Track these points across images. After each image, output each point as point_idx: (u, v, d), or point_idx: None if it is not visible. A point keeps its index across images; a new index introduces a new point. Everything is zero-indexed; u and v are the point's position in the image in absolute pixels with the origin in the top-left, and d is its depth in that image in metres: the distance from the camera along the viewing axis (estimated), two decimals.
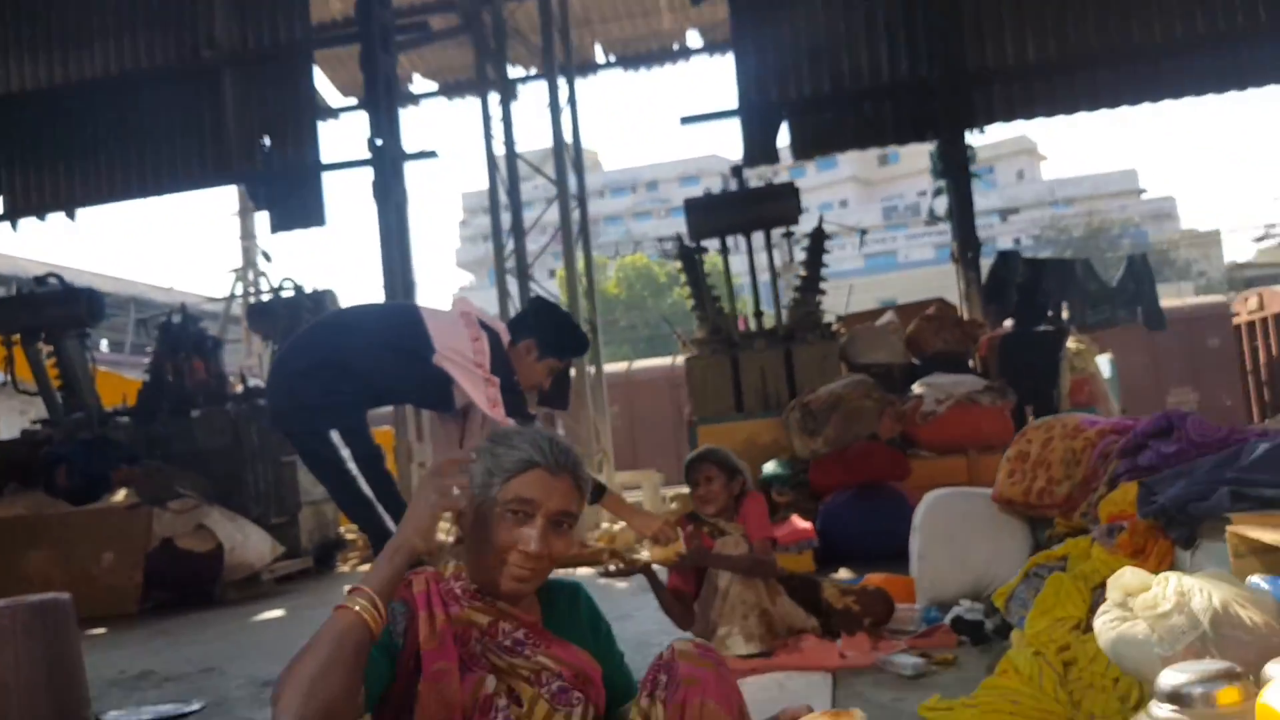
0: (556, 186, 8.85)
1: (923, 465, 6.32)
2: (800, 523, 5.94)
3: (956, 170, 8.42)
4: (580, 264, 9.15)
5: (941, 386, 6.67)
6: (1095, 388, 7.01)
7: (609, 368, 19.52)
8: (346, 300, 11.54)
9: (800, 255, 8.07)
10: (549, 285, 9.09)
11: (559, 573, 1.79)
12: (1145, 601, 2.16)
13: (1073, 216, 38.65)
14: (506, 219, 8.96)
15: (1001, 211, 47.67)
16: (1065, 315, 7.99)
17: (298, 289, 10.73)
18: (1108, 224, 37.39)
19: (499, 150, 8.92)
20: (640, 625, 4.60)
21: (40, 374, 10.19)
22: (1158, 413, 3.31)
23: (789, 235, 7.98)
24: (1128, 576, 2.25)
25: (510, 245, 8.81)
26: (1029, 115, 8.76)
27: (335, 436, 3.23)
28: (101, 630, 7.07)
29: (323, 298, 10.55)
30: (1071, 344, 7.06)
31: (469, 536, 1.69)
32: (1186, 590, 2.11)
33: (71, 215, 11.09)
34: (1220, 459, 2.72)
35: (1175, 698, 1.71)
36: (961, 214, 8.55)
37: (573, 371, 8.64)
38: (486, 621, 1.66)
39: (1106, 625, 2.22)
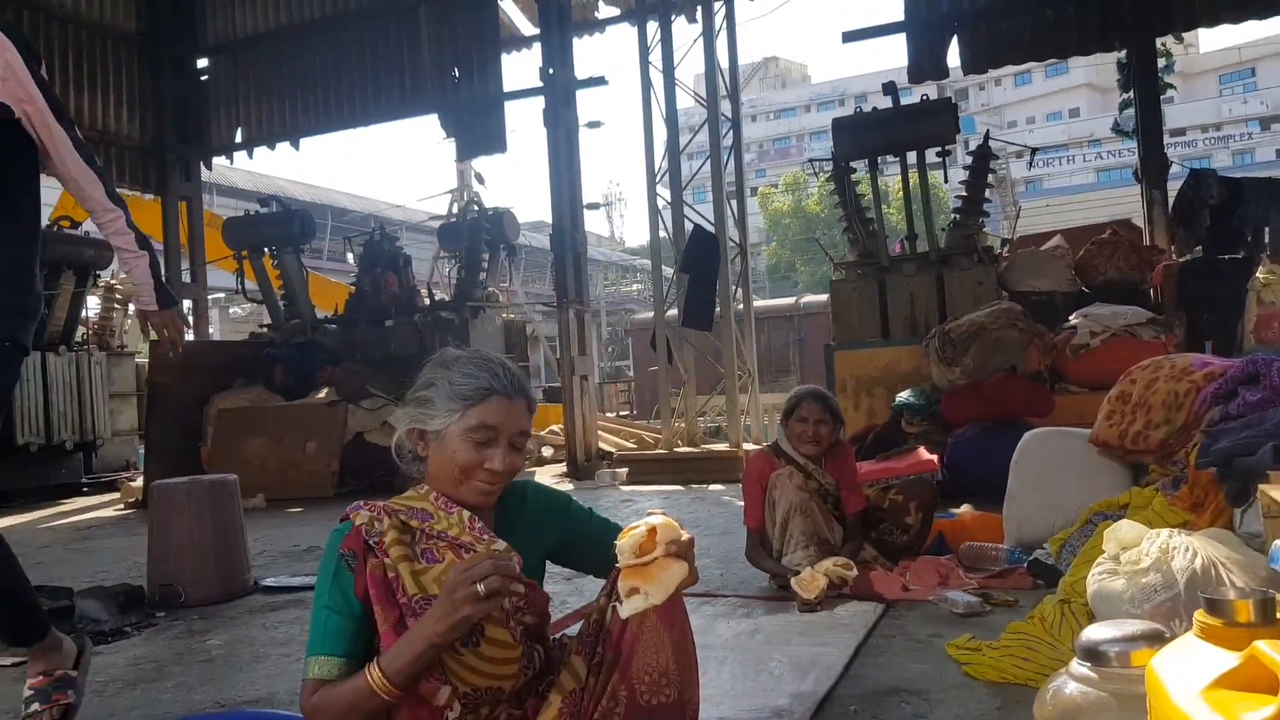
0: (706, 109, 8.79)
1: (1069, 401, 5.98)
2: (925, 454, 5.79)
3: (1145, 80, 7.62)
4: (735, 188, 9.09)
5: (1099, 318, 6.25)
6: None
7: (782, 300, 19.31)
8: (523, 218, 12.10)
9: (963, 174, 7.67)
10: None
11: None
12: (1130, 557, 2.08)
13: None
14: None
15: (1262, 119, 42.12)
16: (1268, 240, 7.16)
17: (480, 209, 11.35)
18: None
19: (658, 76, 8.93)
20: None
21: (265, 284, 11.40)
22: (1247, 357, 3.04)
23: (945, 154, 7.56)
24: (1124, 529, 2.17)
25: (663, 165, 8.88)
26: (1238, 17, 7.70)
27: None
28: (299, 509, 8.03)
29: (501, 217, 11.12)
30: (1262, 274, 6.34)
31: (431, 457, 1.81)
32: (1172, 549, 2.01)
33: (295, 145, 12.20)
34: None
35: (1092, 655, 1.68)
36: (1147, 128, 7.76)
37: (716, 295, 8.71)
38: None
39: (1093, 578, 2.16)
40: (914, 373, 6.75)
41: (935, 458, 5.82)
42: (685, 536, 1.62)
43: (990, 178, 7.62)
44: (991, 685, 2.52)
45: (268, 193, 15.31)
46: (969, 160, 7.72)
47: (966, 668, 2.65)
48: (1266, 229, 7.11)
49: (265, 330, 11.54)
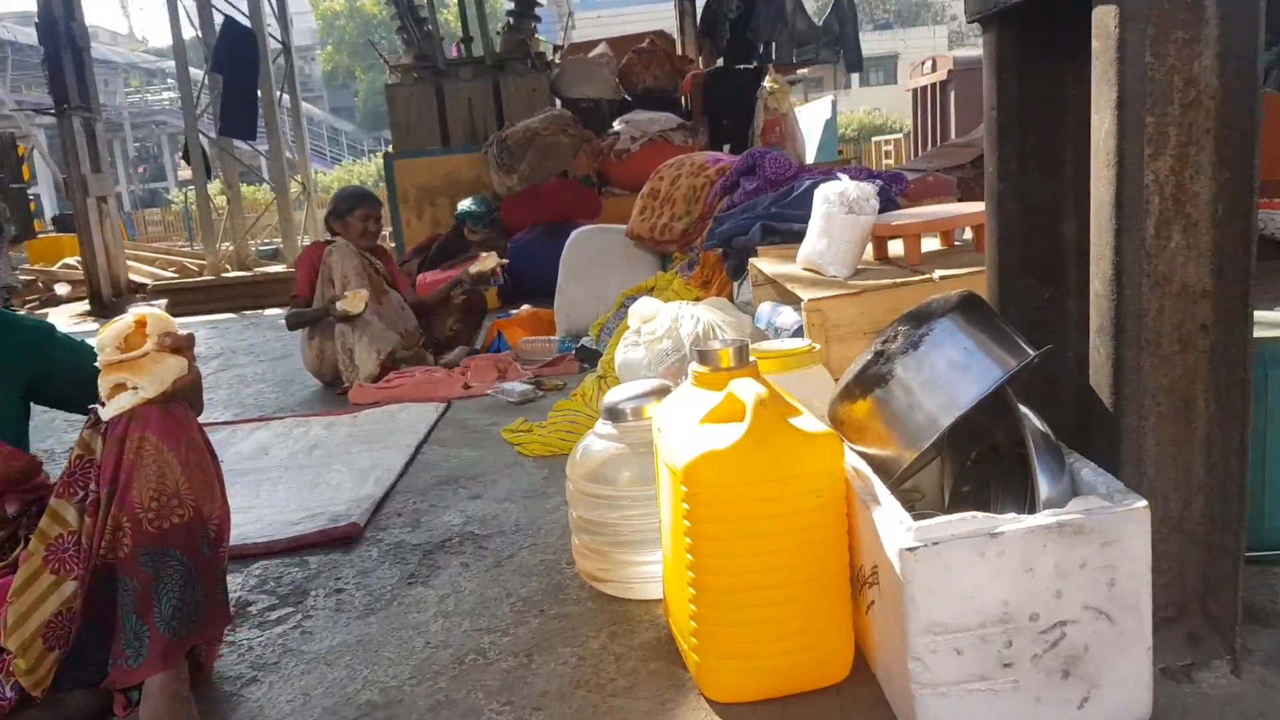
0: None
1: (615, 203, 6.38)
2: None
3: None
4: None
5: (638, 124, 6.66)
6: (785, 128, 7.23)
7: None
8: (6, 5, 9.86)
9: None
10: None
11: None
12: (649, 329, 2.30)
13: None
14: None
15: None
16: (774, 53, 8.04)
17: None
18: None
19: None
20: None
21: None
22: (746, 151, 3.44)
23: None
24: (644, 305, 2.38)
25: None
26: None
27: None
28: None
29: None
30: (769, 83, 7.17)
31: None
32: (680, 318, 2.26)
33: None
34: (777, 196, 2.87)
35: (611, 414, 1.86)
36: None
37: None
38: None
39: (620, 351, 2.37)
40: (475, 181, 6.78)
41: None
42: (185, 332, 1.47)
43: None
44: (540, 459, 2.73)
45: None
46: None
47: (519, 448, 2.83)
48: (774, 43, 7.94)
49: None
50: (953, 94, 10.69)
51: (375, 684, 1.55)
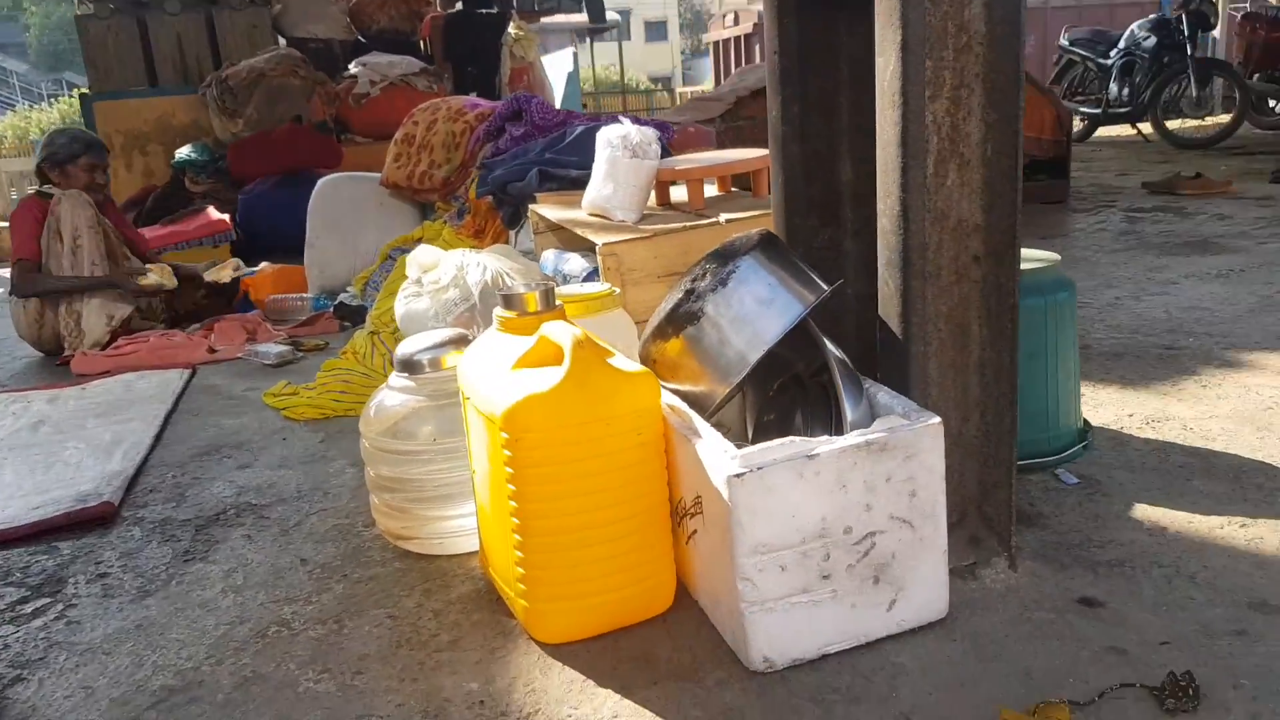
0: None
1: (357, 151, 6.07)
2: (215, 214, 5.47)
3: None
4: None
5: (377, 67, 6.34)
6: (534, 76, 7.18)
7: None
8: None
9: None
10: None
11: None
12: (431, 278, 2.21)
13: None
14: None
15: None
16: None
17: None
18: None
19: None
20: None
21: None
22: (510, 96, 3.38)
23: None
24: (421, 254, 2.29)
25: None
26: None
27: None
28: None
29: None
30: (513, 30, 7.06)
31: None
32: (464, 266, 2.19)
33: None
34: (549, 142, 2.84)
35: (407, 365, 1.77)
36: None
37: None
38: None
39: (400, 302, 2.27)
40: (193, 125, 6.19)
41: (226, 217, 5.53)
42: None
43: None
44: (313, 423, 2.57)
45: None
46: None
47: (286, 412, 2.65)
48: None
49: None
50: (757, 48, 10.97)
51: (168, 668, 1.41)
